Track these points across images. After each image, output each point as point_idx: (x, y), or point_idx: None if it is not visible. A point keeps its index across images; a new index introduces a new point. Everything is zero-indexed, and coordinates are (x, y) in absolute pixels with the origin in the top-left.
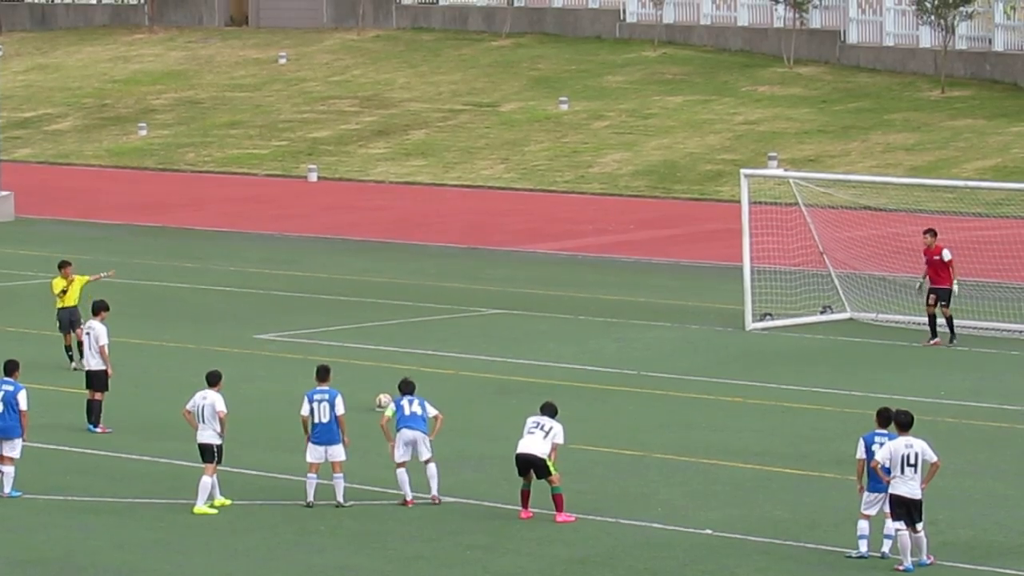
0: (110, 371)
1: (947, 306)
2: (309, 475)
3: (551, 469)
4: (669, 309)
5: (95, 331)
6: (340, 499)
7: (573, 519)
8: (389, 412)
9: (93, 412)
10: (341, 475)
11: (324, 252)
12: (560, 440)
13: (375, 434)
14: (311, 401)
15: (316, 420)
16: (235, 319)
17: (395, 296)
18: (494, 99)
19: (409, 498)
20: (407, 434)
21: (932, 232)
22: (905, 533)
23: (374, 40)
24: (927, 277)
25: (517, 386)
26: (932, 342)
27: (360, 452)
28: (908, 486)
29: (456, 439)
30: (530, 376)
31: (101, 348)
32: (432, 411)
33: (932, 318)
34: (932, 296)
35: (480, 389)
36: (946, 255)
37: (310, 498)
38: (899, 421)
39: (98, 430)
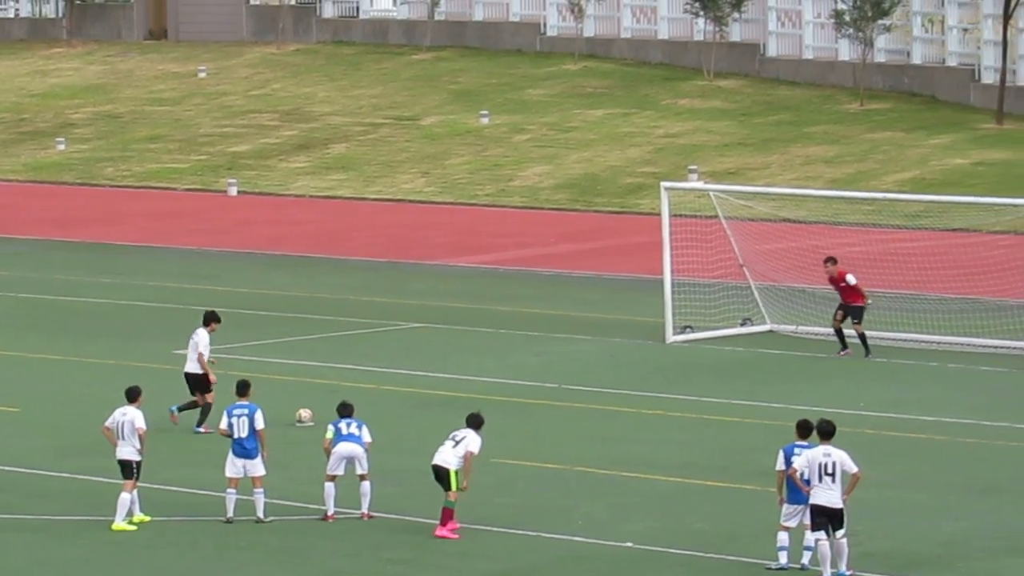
0: (212, 377)
1: (859, 323)
2: (229, 490)
3: (453, 484)
4: (590, 322)
5: (198, 337)
6: (260, 514)
7: (456, 537)
8: (329, 434)
9: (203, 415)
10: (261, 490)
11: (244, 267)
12: (473, 449)
13: (296, 449)
14: (230, 416)
15: (235, 435)
16: (155, 334)
17: (316, 311)
18: (415, 113)
19: (330, 512)
20: (345, 448)
21: (832, 260)
22: (825, 543)
23: (294, 54)
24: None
25: (438, 400)
26: (843, 353)
27: (281, 467)
28: (827, 495)
29: (376, 454)
30: (451, 390)
31: (199, 356)
32: (368, 437)
33: (839, 331)
34: (840, 312)
35: (401, 404)
36: (850, 279)
37: (230, 514)
38: (821, 430)
39: (201, 430)
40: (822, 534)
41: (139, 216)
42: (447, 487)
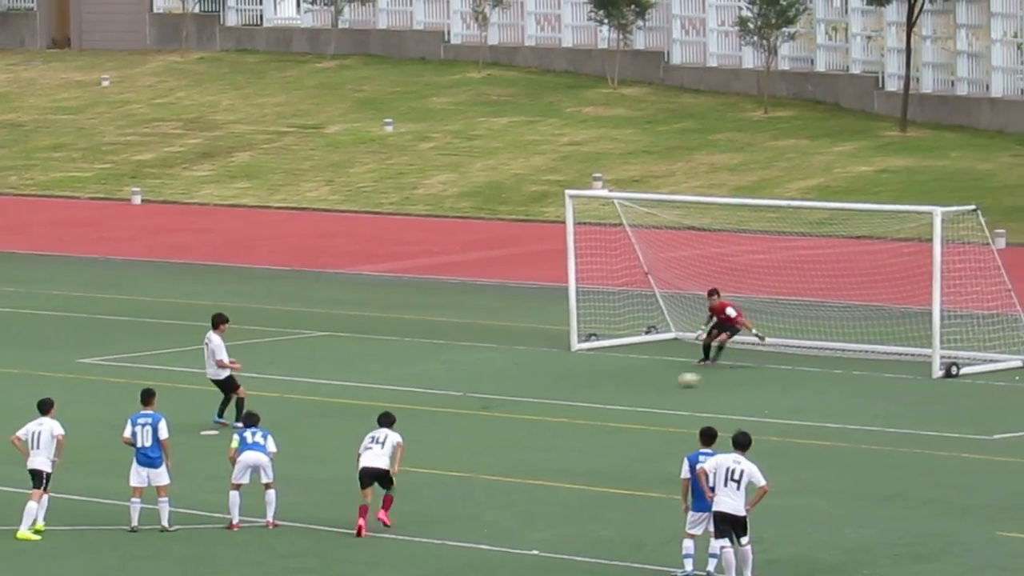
0: (237, 365)
1: (730, 336)
2: (133, 499)
3: (393, 480)
4: (496, 330)
5: (212, 343)
6: (165, 523)
7: (389, 523)
8: (235, 444)
9: (238, 409)
10: (166, 499)
11: (149, 275)
12: (399, 439)
13: (200, 458)
14: (134, 425)
15: (139, 444)
16: (59, 343)
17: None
18: (319, 121)
19: (235, 521)
20: (250, 457)
21: (715, 292)
22: (730, 550)
23: (198, 62)
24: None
25: (343, 409)
26: (704, 362)
27: (186, 476)
28: (731, 502)
29: (281, 463)
30: (356, 398)
31: (219, 361)
32: (273, 446)
33: (707, 347)
34: (716, 331)
35: (306, 412)
36: (730, 312)
37: (134, 523)
38: (737, 441)
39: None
40: (726, 541)
41: (43, 224)
42: (385, 485)
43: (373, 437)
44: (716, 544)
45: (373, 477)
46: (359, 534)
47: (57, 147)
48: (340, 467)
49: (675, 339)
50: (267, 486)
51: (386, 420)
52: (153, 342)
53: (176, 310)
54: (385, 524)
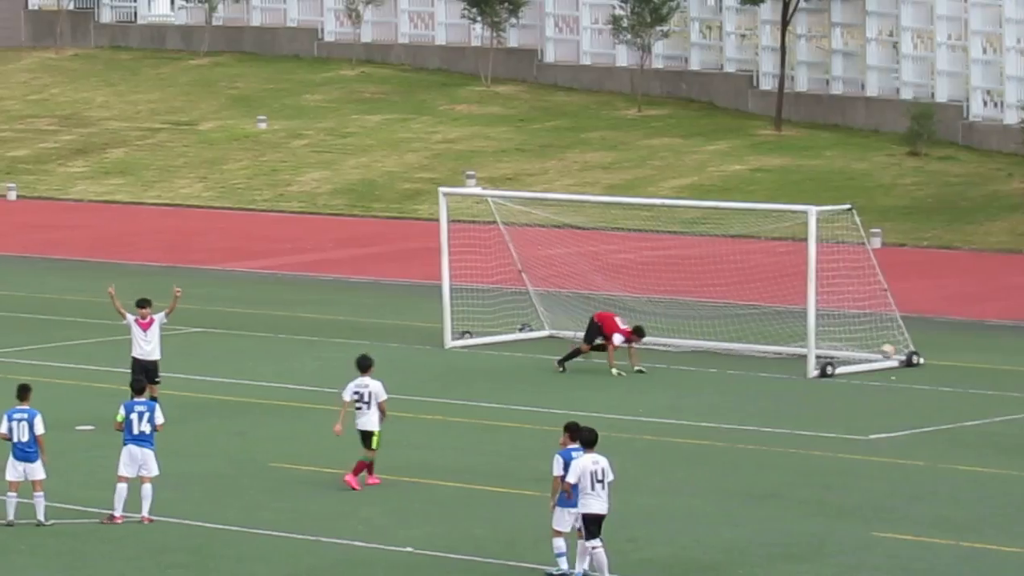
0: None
1: (591, 348)
2: (9, 494)
3: (375, 443)
4: (369, 327)
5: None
6: (41, 518)
7: (358, 488)
8: (119, 417)
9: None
10: (42, 493)
11: (23, 271)
12: (383, 397)
13: (74, 452)
14: (10, 420)
15: (15, 439)
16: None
17: (94, 315)
18: (193, 118)
19: (118, 515)
20: (134, 451)
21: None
22: (601, 550)
23: (72, 59)
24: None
25: (216, 405)
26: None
27: (61, 471)
28: (599, 504)
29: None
30: (229, 395)
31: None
32: (161, 418)
33: (578, 352)
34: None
35: (179, 408)
36: (616, 339)
37: (10, 517)
38: (584, 439)
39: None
40: (597, 541)
41: None
42: (368, 446)
43: (359, 394)
44: (587, 545)
45: (367, 436)
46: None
47: None
48: (214, 462)
49: (550, 337)
50: (145, 480)
51: (365, 364)
52: (27, 337)
53: (50, 305)
54: (353, 488)
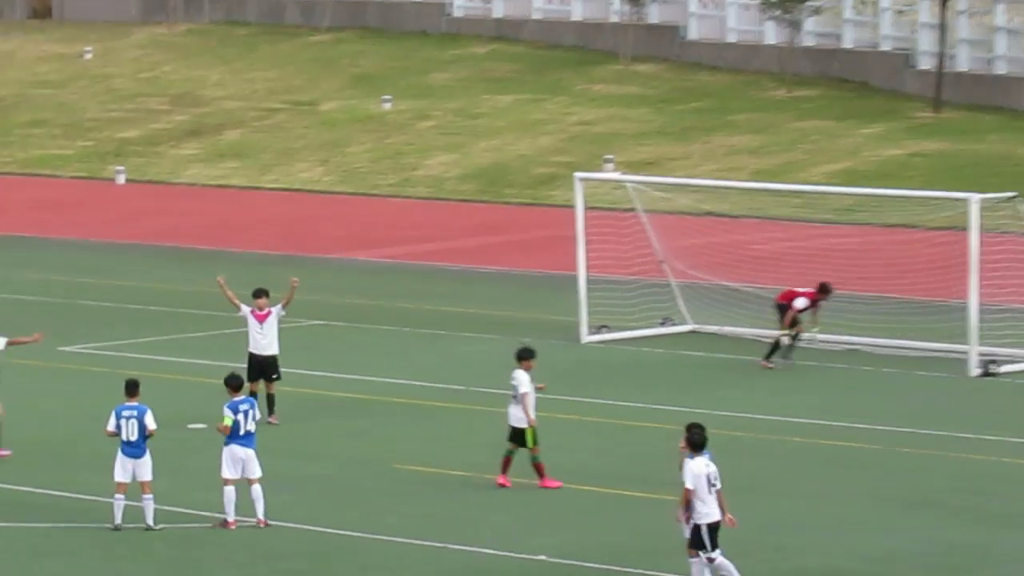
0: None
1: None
2: (116, 496)
3: (529, 441)
4: (499, 321)
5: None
6: (149, 522)
7: (558, 484)
8: (228, 421)
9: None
10: (151, 496)
11: (132, 259)
12: (525, 389)
13: (187, 452)
14: (119, 417)
15: (125, 437)
16: (38, 331)
17: (208, 306)
18: (313, 97)
19: (231, 519)
20: (237, 451)
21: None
22: (724, 559)
23: (185, 35)
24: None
25: (336, 402)
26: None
27: (170, 472)
28: (716, 510)
29: (272, 459)
30: (350, 391)
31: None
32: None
33: (779, 344)
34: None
35: (297, 406)
36: (799, 303)
37: (117, 520)
38: (692, 440)
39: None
40: (719, 552)
41: (21, 205)
42: (524, 444)
43: (513, 384)
44: (709, 556)
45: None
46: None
47: (36, 123)
48: (333, 464)
49: (692, 332)
50: (253, 482)
51: (527, 355)
52: (137, 330)
53: (161, 296)
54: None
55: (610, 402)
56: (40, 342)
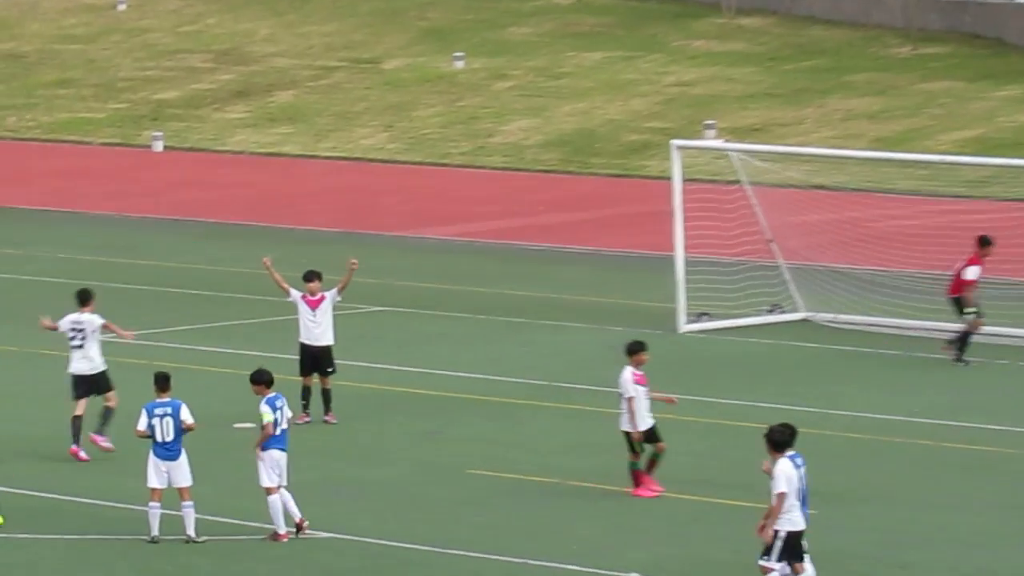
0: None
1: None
2: (151, 504)
3: (636, 445)
4: (586, 307)
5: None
6: (191, 532)
7: (660, 490)
8: (268, 418)
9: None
10: (190, 503)
11: (171, 237)
12: (630, 394)
13: (231, 455)
14: (151, 415)
15: (159, 438)
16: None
17: (257, 290)
18: (376, 54)
19: (282, 531)
20: (276, 455)
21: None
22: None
23: None
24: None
25: (402, 400)
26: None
27: (214, 476)
28: (800, 517)
29: (329, 462)
30: (418, 387)
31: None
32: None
33: (969, 333)
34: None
35: (358, 403)
36: (970, 273)
37: (154, 532)
38: (774, 439)
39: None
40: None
41: (46, 175)
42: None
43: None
44: (801, 568)
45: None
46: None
47: (64, 83)
48: (399, 468)
49: (804, 320)
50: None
51: (637, 348)
52: (176, 316)
53: (204, 278)
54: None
55: (711, 400)
56: (129, 340)
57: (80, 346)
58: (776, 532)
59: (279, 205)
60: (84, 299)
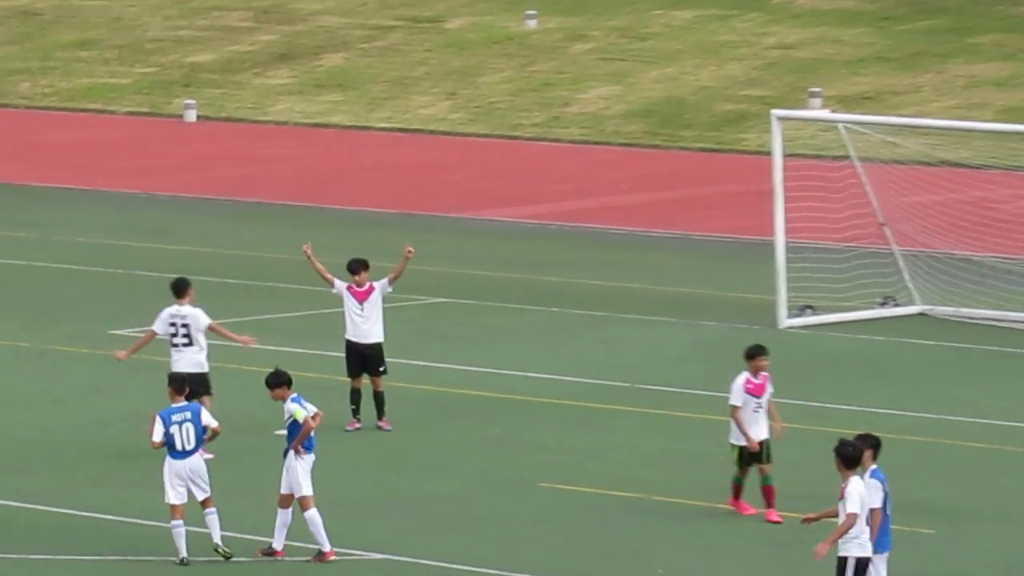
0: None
1: None
2: (174, 522)
3: (766, 455)
4: (675, 299)
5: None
6: (217, 540)
7: (780, 520)
8: (300, 415)
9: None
10: (213, 510)
11: (205, 218)
12: (735, 402)
13: (271, 464)
14: (168, 423)
15: (180, 447)
16: (84, 308)
17: (301, 278)
18: (437, 12)
19: (328, 549)
20: (309, 462)
21: None
22: None
23: None
24: None
25: (464, 403)
26: None
27: (251, 488)
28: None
29: (382, 474)
30: (484, 389)
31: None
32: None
33: None
34: None
35: (415, 407)
36: None
37: (183, 553)
38: (844, 454)
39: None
40: None
41: (63, 149)
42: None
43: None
44: None
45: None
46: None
47: (84, 44)
48: (461, 481)
49: (921, 314)
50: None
51: (756, 352)
52: (210, 308)
53: (241, 265)
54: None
55: (815, 404)
56: (247, 345)
57: (188, 343)
58: (845, 559)
59: (326, 183)
60: (180, 290)
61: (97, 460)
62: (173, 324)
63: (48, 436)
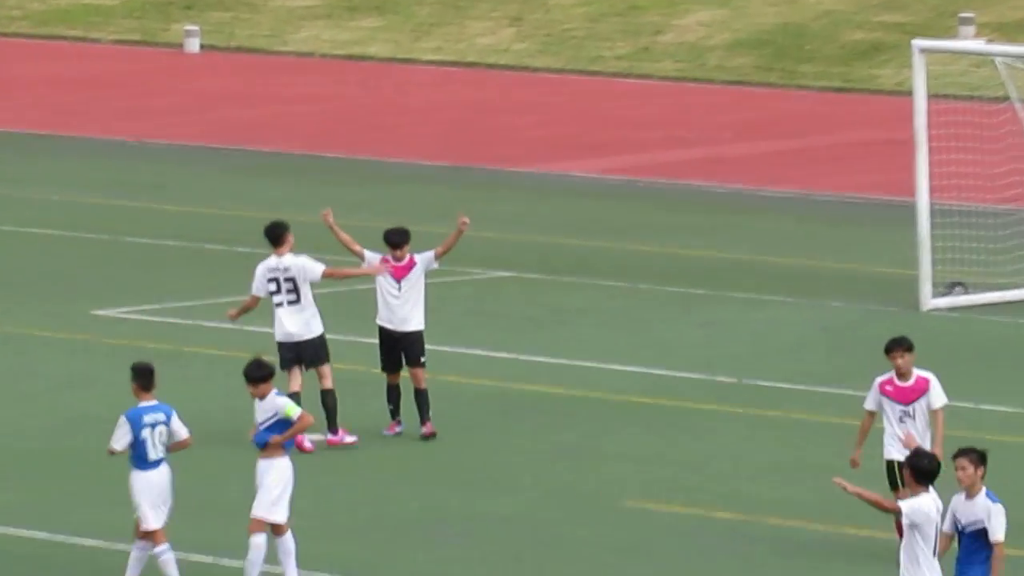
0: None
1: None
2: (159, 548)
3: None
4: (793, 274)
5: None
6: None
7: None
8: (296, 409)
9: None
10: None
11: (209, 171)
12: (939, 404)
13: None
14: (139, 425)
15: (151, 456)
16: (62, 284)
17: (328, 247)
18: None
19: None
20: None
21: None
22: None
23: None
24: None
25: (529, 402)
26: None
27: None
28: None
29: (429, 489)
30: (556, 384)
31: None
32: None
33: None
34: None
35: (469, 408)
36: None
37: None
38: (918, 467)
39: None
40: None
41: (36, 85)
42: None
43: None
44: None
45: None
46: None
47: None
48: (526, 497)
49: None
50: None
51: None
52: (214, 284)
53: (254, 230)
54: None
55: (967, 405)
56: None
57: (295, 300)
58: None
59: (361, 128)
60: (278, 236)
61: (76, 471)
62: (274, 279)
63: (16, 441)
